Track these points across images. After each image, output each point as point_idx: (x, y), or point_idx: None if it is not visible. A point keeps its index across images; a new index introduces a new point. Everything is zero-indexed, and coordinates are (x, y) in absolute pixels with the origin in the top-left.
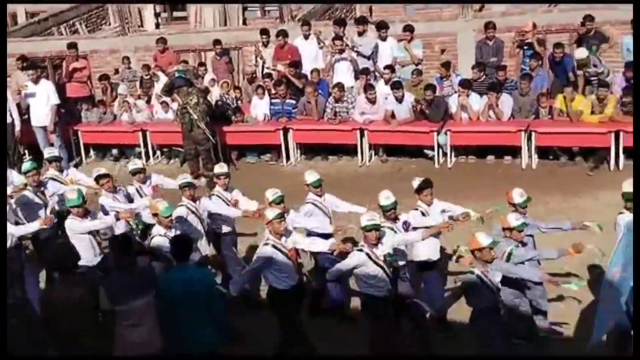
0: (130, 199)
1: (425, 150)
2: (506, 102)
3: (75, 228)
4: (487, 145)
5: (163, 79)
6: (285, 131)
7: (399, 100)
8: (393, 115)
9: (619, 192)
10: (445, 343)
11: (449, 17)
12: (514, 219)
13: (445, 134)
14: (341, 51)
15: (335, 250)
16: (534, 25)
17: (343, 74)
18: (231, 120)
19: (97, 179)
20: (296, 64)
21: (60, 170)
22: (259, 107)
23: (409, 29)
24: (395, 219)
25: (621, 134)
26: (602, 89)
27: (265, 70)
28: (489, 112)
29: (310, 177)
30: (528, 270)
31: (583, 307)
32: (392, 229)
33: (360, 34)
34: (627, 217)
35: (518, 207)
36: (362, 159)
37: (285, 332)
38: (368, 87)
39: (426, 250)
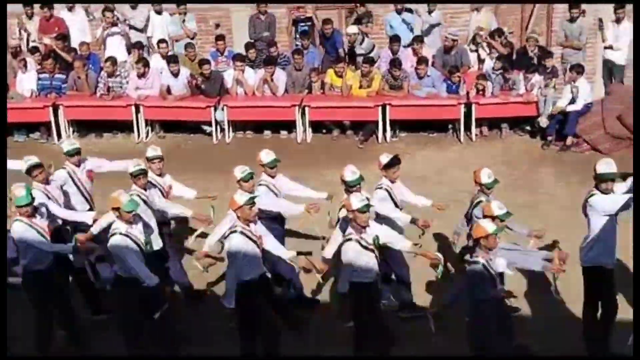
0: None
1: (203, 126)
2: (280, 77)
3: (25, 235)
4: (264, 120)
5: None
6: (55, 108)
7: (175, 75)
8: (169, 91)
9: None
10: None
11: None
12: (497, 207)
13: (222, 109)
14: (113, 24)
15: (299, 264)
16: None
17: (115, 47)
18: None
19: (30, 170)
20: (64, 37)
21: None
22: (25, 83)
23: (182, 2)
24: None
25: (387, 107)
26: (366, 65)
27: (31, 44)
28: (264, 87)
29: (267, 157)
30: (530, 260)
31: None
32: None
33: (131, 6)
34: (599, 197)
35: (484, 187)
36: (138, 136)
37: (244, 326)
38: (140, 61)
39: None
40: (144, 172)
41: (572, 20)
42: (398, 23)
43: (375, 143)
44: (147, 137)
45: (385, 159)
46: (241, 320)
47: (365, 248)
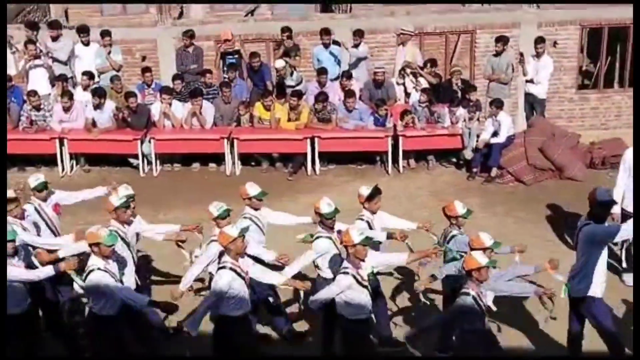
0: (36, 226)
1: (130, 159)
2: (208, 109)
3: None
4: (192, 153)
5: None
6: None
7: (100, 107)
8: (94, 124)
9: (318, 195)
10: None
11: (148, 24)
12: (487, 239)
13: (149, 142)
14: (35, 56)
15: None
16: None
17: (38, 80)
18: None
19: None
20: None
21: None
22: None
23: (107, 34)
24: (332, 228)
25: (316, 140)
26: (294, 98)
27: None
28: (192, 120)
29: (253, 189)
30: (520, 286)
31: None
32: (330, 239)
33: (54, 38)
34: (594, 227)
35: (460, 219)
36: (63, 169)
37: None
38: (64, 94)
39: None
40: (128, 206)
41: (497, 54)
42: (326, 56)
43: (304, 175)
44: (71, 170)
45: (365, 191)
46: (216, 353)
47: (360, 284)
